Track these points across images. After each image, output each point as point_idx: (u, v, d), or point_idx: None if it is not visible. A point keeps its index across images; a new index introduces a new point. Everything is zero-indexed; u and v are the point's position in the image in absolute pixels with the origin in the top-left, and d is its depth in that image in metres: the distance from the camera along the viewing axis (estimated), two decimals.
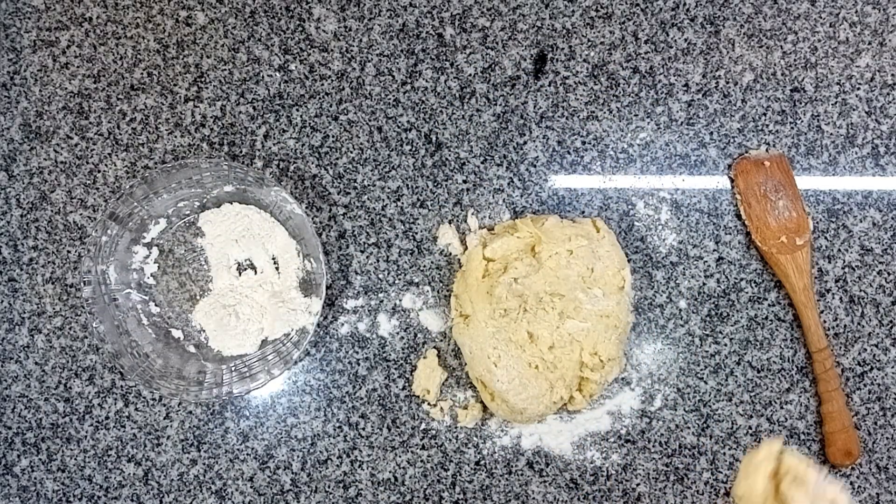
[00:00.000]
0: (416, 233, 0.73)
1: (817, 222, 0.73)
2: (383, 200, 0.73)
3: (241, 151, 0.74)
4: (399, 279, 0.73)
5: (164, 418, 0.72)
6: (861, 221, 0.73)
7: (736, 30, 0.74)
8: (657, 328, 0.72)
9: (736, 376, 0.72)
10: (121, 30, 0.75)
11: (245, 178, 0.69)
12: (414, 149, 0.74)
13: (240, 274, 0.72)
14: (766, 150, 0.74)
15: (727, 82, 0.74)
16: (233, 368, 0.69)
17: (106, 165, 0.74)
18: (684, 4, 0.75)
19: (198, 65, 0.75)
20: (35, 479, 0.72)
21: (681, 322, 0.72)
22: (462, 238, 0.73)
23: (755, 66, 0.74)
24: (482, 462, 0.71)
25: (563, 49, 0.74)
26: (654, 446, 0.71)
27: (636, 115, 0.74)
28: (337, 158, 0.74)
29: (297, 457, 0.71)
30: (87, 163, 0.74)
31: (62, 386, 0.72)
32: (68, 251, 0.74)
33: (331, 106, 0.74)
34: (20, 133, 0.75)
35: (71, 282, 0.73)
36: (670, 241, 0.73)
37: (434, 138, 0.74)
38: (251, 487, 0.71)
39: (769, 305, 0.72)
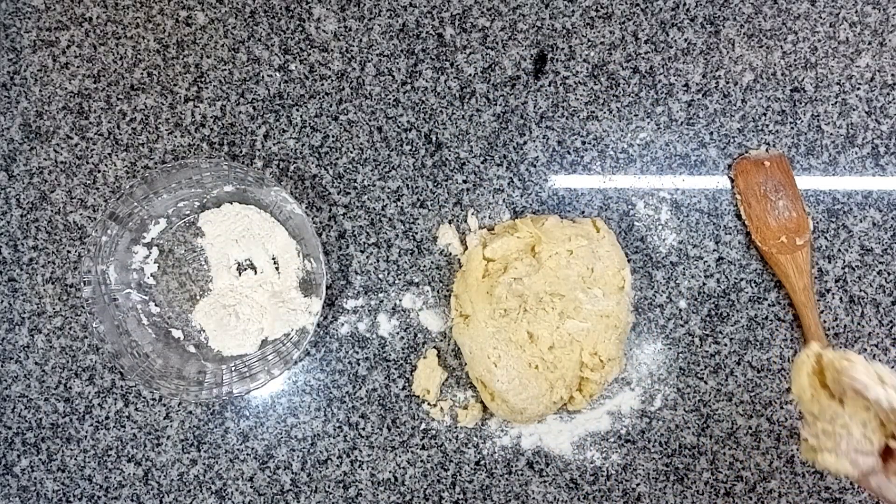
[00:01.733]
0: (416, 233, 0.73)
1: (817, 222, 0.73)
2: (383, 200, 0.73)
3: (241, 151, 0.74)
4: (399, 279, 0.73)
5: (164, 418, 0.72)
6: (861, 221, 0.73)
7: (736, 30, 0.74)
8: (657, 328, 0.72)
9: (736, 376, 0.72)
10: (121, 30, 0.75)
11: (245, 178, 0.69)
12: (414, 149, 0.74)
13: (240, 274, 0.72)
14: (766, 150, 0.74)
15: (727, 82, 0.74)
16: (233, 368, 0.69)
17: (106, 165, 0.74)
18: (684, 4, 0.75)
19: (198, 65, 0.75)
20: (35, 479, 0.72)
21: (681, 322, 0.72)
22: (462, 238, 0.73)
23: (755, 66, 0.74)
24: (482, 462, 0.71)
25: (563, 49, 0.74)
26: (654, 446, 0.71)
27: (636, 115, 0.74)
28: (337, 158, 0.74)
29: (297, 457, 0.71)
30: (87, 163, 0.74)
31: (62, 386, 0.72)
32: (68, 251, 0.74)
33: (331, 106, 0.74)
34: (20, 133, 0.75)
35: (71, 282, 0.73)
36: (670, 241, 0.73)
37: (434, 138, 0.74)
38: (251, 487, 0.71)
39: (769, 305, 0.72)
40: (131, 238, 0.71)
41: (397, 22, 0.75)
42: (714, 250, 0.73)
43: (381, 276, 0.73)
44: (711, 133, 0.74)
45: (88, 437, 0.72)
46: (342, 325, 0.72)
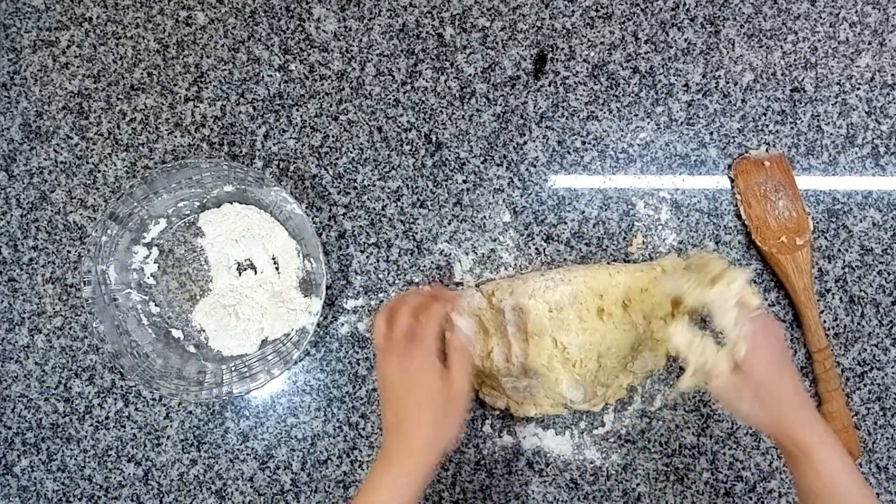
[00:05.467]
0: (416, 233, 0.73)
1: (817, 222, 0.73)
2: (383, 200, 0.73)
3: (241, 151, 0.74)
4: (399, 279, 0.73)
5: (164, 418, 0.72)
6: (861, 221, 0.73)
7: (736, 30, 0.74)
8: None
9: None
10: (121, 30, 0.75)
11: (245, 178, 0.69)
12: (414, 149, 0.74)
13: (240, 274, 0.72)
14: (766, 150, 0.74)
15: (727, 82, 0.74)
16: (233, 368, 0.69)
17: (106, 165, 0.74)
18: (684, 4, 0.75)
19: (198, 65, 0.75)
20: (35, 479, 0.72)
21: None
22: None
23: (755, 66, 0.74)
24: (482, 462, 0.71)
25: (563, 49, 0.74)
26: (654, 446, 0.71)
27: (636, 115, 0.74)
28: (337, 158, 0.74)
29: (297, 457, 0.71)
30: (87, 163, 0.74)
31: (62, 386, 0.72)
32: (68, 251, 0.74)
33: (331, 106, 0.74)
34: (20, 133, 0.75)
35: (71, 282, 0.73)
36: (670, 241, 0.73)
37: (434, 138, 0.74)
38: (251, 487, 0.71)
39: (769, 305, 0.72)
40: (131, 238, 0.71)
41: (397, 22, 0.75)
42: (714, 250, 0.73)
43: (381, 276, 0.73)
44: (711, 133, 0.74)
45: (88, 437, 0.72)
46: (342, 325, 0.72)
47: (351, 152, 0.74)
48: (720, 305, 0.56)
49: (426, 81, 0.74)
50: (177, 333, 0.72)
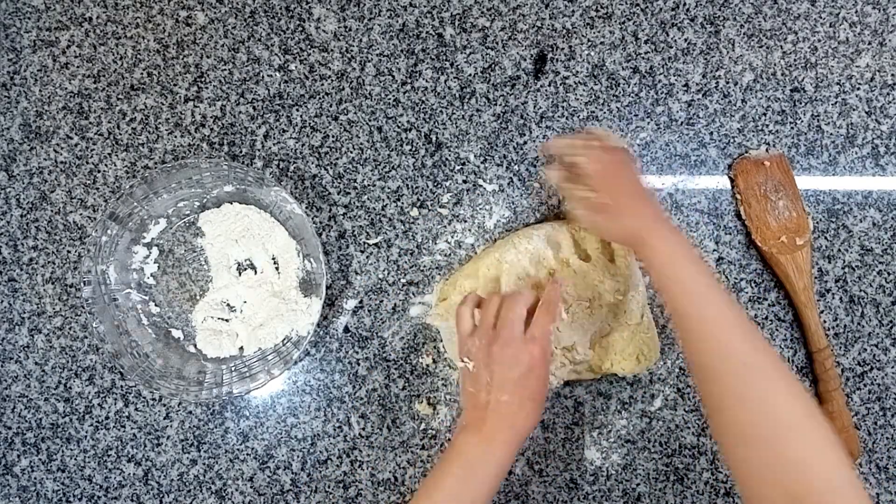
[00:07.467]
0: (416, 233, 0.73)
1: (817, 222, 0.73)
2: (383, 200, 0.73)
3: (241, 151, 0.74)
4: (399, 279, 0.73)
5: (164, 418, 0.72)
6: (861, 221, 0.73)
7: (736, 30, 0.74)
8: (658, 328, 0.72)
9: None
10: (121, 30, 0.75)
11: (245, 178, 0.69)
12: (414, 149, 0.74)
13: (240, 274, 0.72)
14: (766, 150, 0.74)
15: (727, 82, 0.74)
16: (233, 368, 0.69)
17: (106, 165, 0.74)
18: (684, 4, 0.75)
19: (198, 65, 0.75)
20: (35, 479, 0.72)
21: None
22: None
23: (755, 66, 0.74)
24: None
25: (563, 49, 0.74)
26: (654, 446, 0.71)
27: (636, 115, 0.74)
28: (337, 158, 0.74)
29: (297, 457, 0.71)
30: (87, 163, 0.74)
31: (62, 386, 0.72)
32: (68, 251, 0.74)
33: (331, 106, 0.74)
34: (20, 133, 0.75)
35: (71, 282, 0.73)
36: None
37: (434, 138, 0.74)
38: (251, 487, 0.71)
39: (769, 305, 0.72)
40: (131, 238, 0.71)
41: (397, 22, 0.75)
42: (714, 250, 0.73)
43: (381, 276, 0.73)
44: (711, 133, 0.74)
45: (88, 437, 0.72)
46: (342, 325, 0.72)
47: (351, 152, 0.74)
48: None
49: (426, 81, 0.74)
50: (177, 333, 0.72)
